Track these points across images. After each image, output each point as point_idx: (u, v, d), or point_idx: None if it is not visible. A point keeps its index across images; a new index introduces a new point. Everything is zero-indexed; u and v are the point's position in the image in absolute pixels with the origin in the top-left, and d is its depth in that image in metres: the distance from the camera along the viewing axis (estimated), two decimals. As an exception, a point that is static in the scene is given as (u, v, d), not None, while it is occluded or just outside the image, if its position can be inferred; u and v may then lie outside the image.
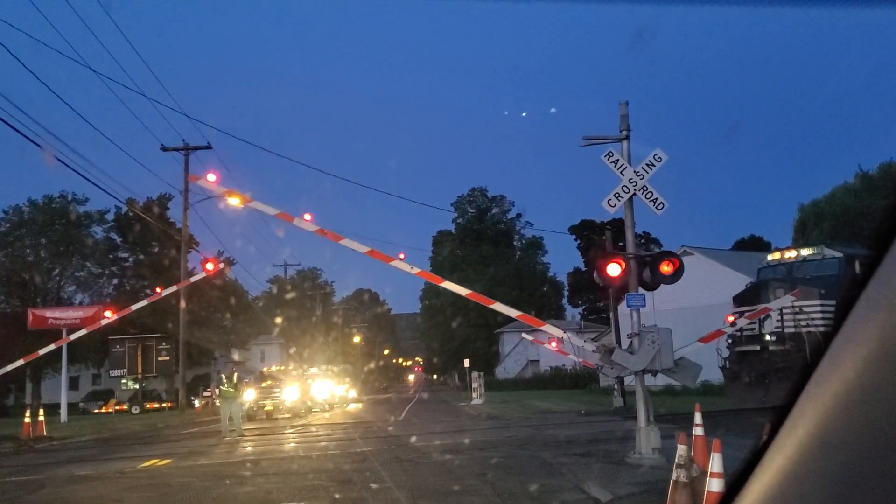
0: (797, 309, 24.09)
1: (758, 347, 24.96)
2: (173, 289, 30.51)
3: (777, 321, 24.41)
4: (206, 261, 24.05)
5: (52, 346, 33.60)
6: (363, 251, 25.18)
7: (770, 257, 28.13)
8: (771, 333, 24.39)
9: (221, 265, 33.92)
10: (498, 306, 17.78)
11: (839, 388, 1.36)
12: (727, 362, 26.54)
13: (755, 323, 25.07)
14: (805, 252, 26.78)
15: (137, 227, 58.29)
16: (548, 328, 18.71)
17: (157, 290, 30.26)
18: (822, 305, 23.97)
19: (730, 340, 27.76)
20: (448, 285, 21.42)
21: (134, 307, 26.90)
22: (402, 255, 19.68)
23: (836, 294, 24.33)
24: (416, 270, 21.47)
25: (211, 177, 23.82)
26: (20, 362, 36.77)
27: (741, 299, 26.46)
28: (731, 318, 22.33)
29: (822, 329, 23.53)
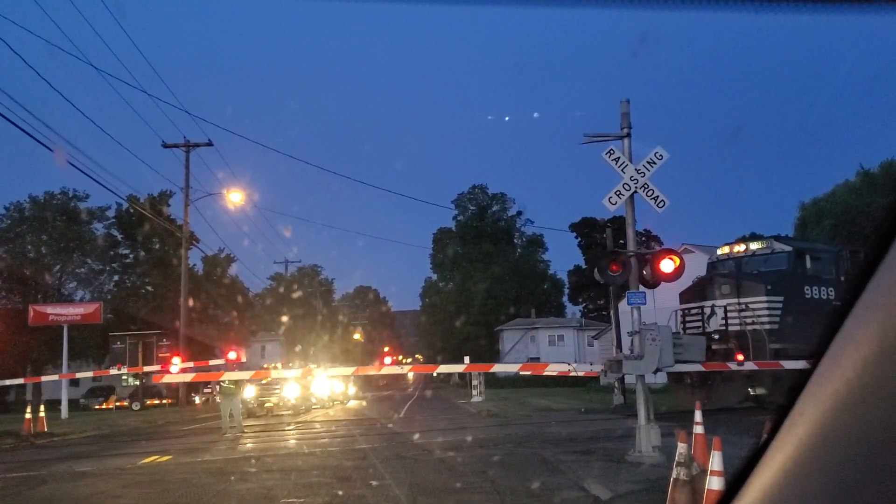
0: (742, 306, 23.30)
1: None
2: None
3: (722, 318, 23.57)
4: (229, 350, 25.06)
5: (55, 377, 33.82)
6: (349, 373, 27.27)
7: (719, 251, 26.88)
8: (715, 332, 23.34)
9: (244, 359, 34.65)
10: (497, 367, 18.44)
11: (839, 388, 1.37)
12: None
13: (699, 320, 24.28)
14: (754, 246, 25.81)
15: (138, 223, 58.36)
16: (553, 367, 19.13)
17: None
18: (768, 302, 23.17)
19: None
20: (443, 368, 22.14)
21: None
22: (385, 360, 21.12)
23: (783, 290, 23.51)
24: (407, 368, 22.13)
25: (176, 359, 25.80)
26: (20, 381, 37.26)
27: (687, 296, 25.48)
28: (740, 357, 21.13)
29: (767, 327, 22.66)
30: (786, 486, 1.50)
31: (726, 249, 26.42)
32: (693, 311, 24.73)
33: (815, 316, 23.42)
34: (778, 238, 25.95)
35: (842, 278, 25.06)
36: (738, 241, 26.87)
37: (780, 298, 23.30)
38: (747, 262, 25.31)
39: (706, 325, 23.88)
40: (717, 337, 22.98)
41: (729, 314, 23.47)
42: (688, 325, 25.08)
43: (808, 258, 24.63)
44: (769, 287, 23.34)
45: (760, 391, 23.20)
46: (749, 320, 23.01)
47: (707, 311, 24.09)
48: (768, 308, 23.12)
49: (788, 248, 24.84)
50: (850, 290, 1.42)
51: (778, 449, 1.54)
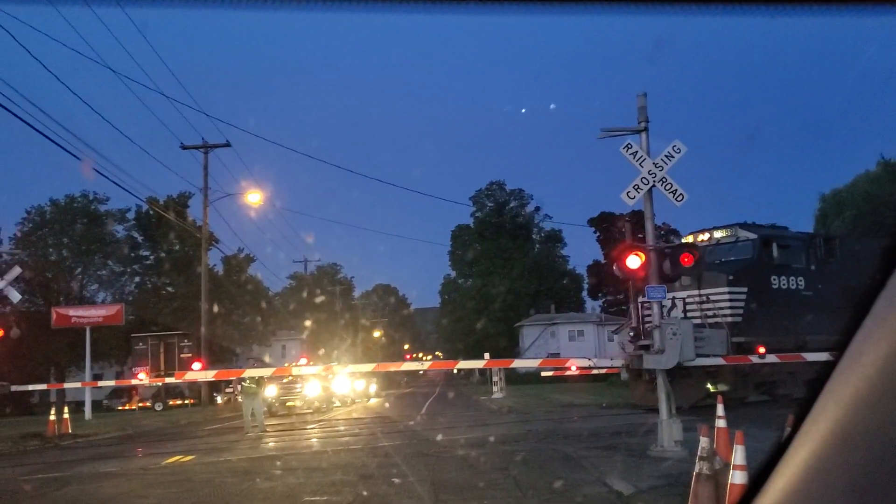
0: (703, 298, 21.95)
1: None
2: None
3: (682, 311, 22.27)
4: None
5: (77, 384, 34.29)
6: (370, 368, 28.44)
7: (683, 240, 25.27)
8: None
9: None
10: (517, 362, 18.50)
11: (860, 384, 1.36)
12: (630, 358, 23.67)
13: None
14: (718, 234, 24.33)
15: (158, 225, 58.79)
16: (572, 361, 19.19)
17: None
18: (730, 293, 22.04)
19: (631, 334, 24.76)
20: (463, 364, 22.30)
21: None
22: (407, 357, 21.14)
23: (747, 280, 22.45)
24: (426, 365, 22.18)
25: (196, 365, 26.28)
26: (43, 386, 37.90)
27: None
28: (762, 350, 19.84)
29: (729, 320, 21.38)
30: (809, 482, 1.50)
31: (690, 238, 25.00)
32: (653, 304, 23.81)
33: (782, 307, 22.56)
34: (743, 225, 24.62)
35: (813, 267, 24.10)
36: (703, 230, 25.29)
37: (744, 289, 22.27)
38: (711, 251, 23.93)
39: (668, 317, 22.90)
40: None
41: (689, 307, 22.27)
42: (645, 318, 24.18)
43: (774, 246, 23.56)
44: (731, 277, 22.23)
45: (722, 388, 21.70)
46: (710, 313, 21.77)
47: (668, 303, 22.44)
48: (730, 300, 22.06)
49: (753, 236, 23.71)
50: (871, 285, 1.41)
51: (801, 444, 1.54)
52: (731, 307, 22.05)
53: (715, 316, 21.55)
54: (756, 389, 22.79)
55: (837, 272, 24.26)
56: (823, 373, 1.51)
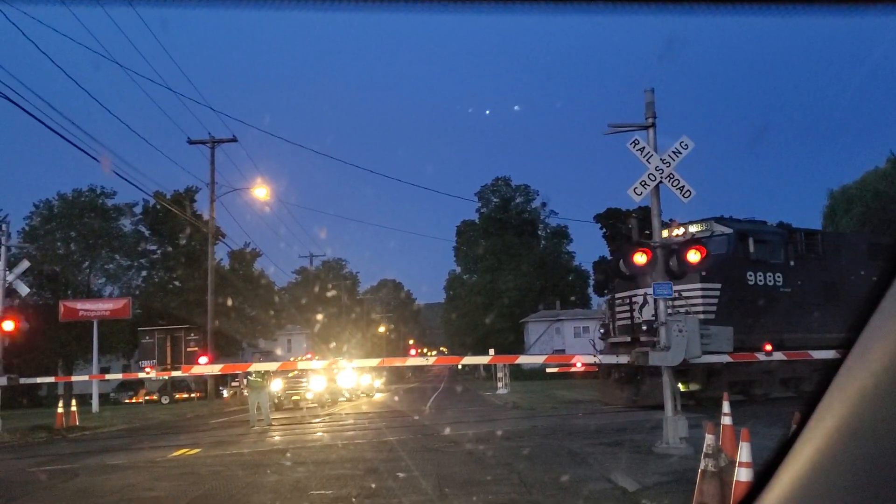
0: (675, 294, 21.36)
1: (629, 339, 21.88)
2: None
3: (654, 308, 21.86)
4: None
5: (85, 377, 34.62)
6: (376, 363, 28.53)
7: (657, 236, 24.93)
8: (644, 323, 21.28)
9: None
10: (522, 358, 18.68)
11: (867, 381, 1.37)
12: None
13: (628, 311, 22.79)
14: (693, 228, 23.61)
15: (165, 219, 58.95)
16: (577, 358, 19.15)
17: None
18: (703, 290, 21.61)
19: (601, 331, 25.15)
20: (468, 360, 22.49)
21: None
22: (412, 353, 21.15)
23: (721, 276, 22.02)
24: (431, 360, 22.33)
25: (203, 359, 26.92)
26: (51, 379, 38.33)
27: (619, 283, 23.83)
28: (769, 348, 19.43)
29: (702, 317, 20.37)
30: (815, 479, 1.51)
31: (665, 233, 24.53)
32: (625, 300, 23.24)
33: (759, 304, 22.22)
34: (719, 219, 24.10)
35: (792, 263, 23.70)
36: (677, 224, 24.33)
37: (718, 285, 21.90)
38: None
39: (639, 314, 22.28)
40: (645, 328, 21.10)
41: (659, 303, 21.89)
42: (618, 314, 23.74)
43: (751, 241, 23.13)
44: (704, 273, 21.46)
45: (694, 387, 21.64)
46: (683, 310, 20.73)
47: (639, 300, 22.38)
48: (703, 296, 21.66)
49: (729, 231, 23.30)
50: (879, 283, 1.41)
51: (807, 441, 1.55)
52: (703, 303, 21.64)
53: (687, 313, 20.64)
54: (730, 389, 22.44)
55: (818, 268, 23.93)
56: (830, 370, 1.52)
